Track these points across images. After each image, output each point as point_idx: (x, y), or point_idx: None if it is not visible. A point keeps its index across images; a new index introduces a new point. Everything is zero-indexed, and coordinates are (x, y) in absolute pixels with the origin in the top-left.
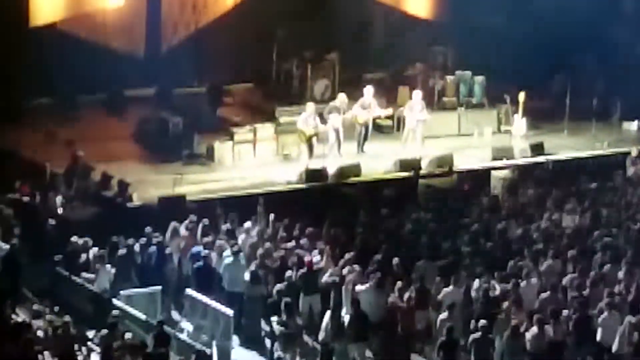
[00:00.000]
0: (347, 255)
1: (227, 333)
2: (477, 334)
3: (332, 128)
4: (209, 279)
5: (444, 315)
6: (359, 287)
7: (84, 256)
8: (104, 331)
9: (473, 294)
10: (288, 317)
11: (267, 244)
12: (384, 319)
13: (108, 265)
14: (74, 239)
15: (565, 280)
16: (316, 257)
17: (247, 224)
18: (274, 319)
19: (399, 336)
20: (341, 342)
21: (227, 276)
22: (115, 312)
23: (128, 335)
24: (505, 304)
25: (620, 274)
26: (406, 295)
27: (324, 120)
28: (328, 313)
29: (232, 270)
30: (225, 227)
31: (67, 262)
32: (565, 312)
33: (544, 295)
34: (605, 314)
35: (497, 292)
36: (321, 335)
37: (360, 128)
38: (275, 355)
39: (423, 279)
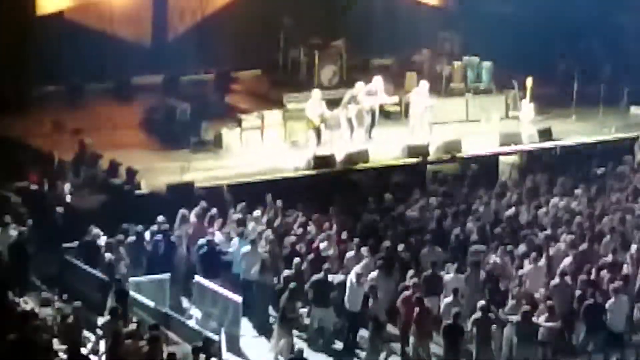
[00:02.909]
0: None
1: (235, 320)
2: (478, 314)
3: (345, 116)
4: (213, 264)
5: (448, 299)
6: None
7: (93, 244)
8: (107, 317)
9: (481, 277)
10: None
11: (275, 232)
12: (392, 305)
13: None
14: (83, 226)
15: (573, 266)
16: (323, 244)
17: (257, 212)
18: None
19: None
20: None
21: (244, 264)
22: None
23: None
24: (516, 289)
25: (628, 259)
26: (413, 282)
27: (330, 107)
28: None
29: (250, 259)
30: (234, 215)
31: (76, 249)
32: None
33: (553, 281)
34: (613, 299)
35: (506, 275)
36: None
37: (366, 114)
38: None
39: (433, 265)
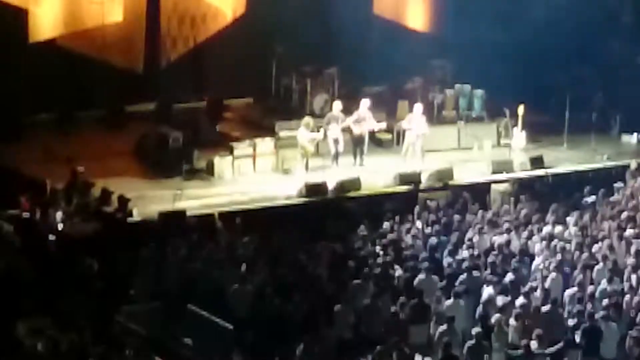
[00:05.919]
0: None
1: (228, 348)
2: (472, 342)
3: (332, 139)
4: (207, 291)
5: (442, 328)
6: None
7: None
8: (103, 347)
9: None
10: None
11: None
12: (383, 332)
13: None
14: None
15: (566, 294)
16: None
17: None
18: None
19: (399, 349)
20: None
21: (233, 301)
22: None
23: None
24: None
25: (622, 287)
26: (405, 308)
27: (321, 133)
28: None
29: (238, 294)
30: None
31: (68, 277)
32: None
33: (545, 308)
34: (603, 327)
35: (499, 305)
36: None
37: (355, 141)
38: None
39: (422, 292)
